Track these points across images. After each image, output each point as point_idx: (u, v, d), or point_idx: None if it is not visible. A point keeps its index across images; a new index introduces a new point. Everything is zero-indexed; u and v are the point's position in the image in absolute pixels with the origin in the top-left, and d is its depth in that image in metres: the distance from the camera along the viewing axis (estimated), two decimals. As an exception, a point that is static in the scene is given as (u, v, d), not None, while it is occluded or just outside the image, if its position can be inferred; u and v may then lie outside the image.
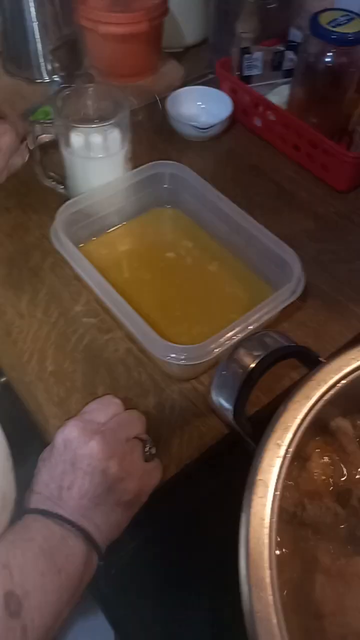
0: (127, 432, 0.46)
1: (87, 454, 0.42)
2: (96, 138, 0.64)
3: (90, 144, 0.65)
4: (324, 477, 0.44)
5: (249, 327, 0.52)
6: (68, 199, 0.71)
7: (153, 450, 0.47)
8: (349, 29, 0.69)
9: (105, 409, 0.47)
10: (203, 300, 0.63)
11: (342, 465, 0.44)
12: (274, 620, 0.30)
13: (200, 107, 0.86)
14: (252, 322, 0.53)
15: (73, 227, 0.64)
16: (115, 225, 0.70)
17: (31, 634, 0.36)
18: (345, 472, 0.44)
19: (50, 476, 0.43)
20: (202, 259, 0.67)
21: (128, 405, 0.51)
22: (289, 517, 0.41)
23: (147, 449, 0.46)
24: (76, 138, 0.64)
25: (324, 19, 0.70)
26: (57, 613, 0.38)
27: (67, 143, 0.65)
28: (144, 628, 0.43)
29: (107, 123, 0.63)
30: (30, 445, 0.53)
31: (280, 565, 0.33)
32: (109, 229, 0.70)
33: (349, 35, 0.69)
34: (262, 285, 0.63)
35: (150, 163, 0.68)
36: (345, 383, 0.41)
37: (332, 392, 0.41)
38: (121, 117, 0.64)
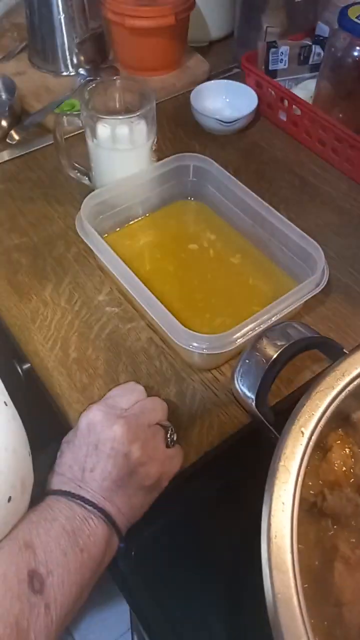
0: (149, 418, 0.46)
1: (111, 437, 0.42)
2: (122, 130, 0.65)
3: (116, 135, 0.65)
4: (344, 469, 0.44)
5: (272, 319, 0.53)
6: (92, 190, 0.72)
7: (174, 437, 0.48)
8: (378, 22, 0.69)
9: (128, 395, 0.48)
10: (225, 292, 0.63)
11: (364, 457, 0.44)
12: (295, 602, 0.30)
13: (225, 101, 0.86)
14: (275, 314, 0.53)
15: (98, 218, 0.65)
16: (139, 217, 0.71)
17: (54, 612, 0.37)
18: (366, 463, 0.44)
19: (74, 458, 0.43)
20: (225, 251, 0.67)
21: (150, 393, 0.51)
22: (309, 506, 0.42)
23: (168, 435, 0.47)
24: (102, 130, 0.65)
25: (353, 13, 0.70)
26: (79, 592, 0.39)
27: (94, 135, 0.65)
28: (161, 609, 0.43)
29: (133, 115, 0.63)
30: (52, 430, 0.54)
31: (300, 553, 0.33)
32: (133, 220, 0.70)
33: (378, 29, 0.68)
34: (285, 278, 0.63)
35: (175, 155, 0.69)
36: (368, 375, 0.41)
37: (355, 383, 0.41)
38: (147, 109, 0.64)
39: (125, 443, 0.42)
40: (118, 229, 0.69)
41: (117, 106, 0.69)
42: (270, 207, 0.63)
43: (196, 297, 0.63)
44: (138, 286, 0.55)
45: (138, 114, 0.63)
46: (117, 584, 0.45)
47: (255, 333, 0.51)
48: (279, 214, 0.62)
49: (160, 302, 0.54)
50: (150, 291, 0.55)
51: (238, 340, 0.51)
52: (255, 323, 0.52)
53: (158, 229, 0.70)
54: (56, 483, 0.43)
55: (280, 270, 0.64)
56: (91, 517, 0.41)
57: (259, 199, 0.64)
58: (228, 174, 0.67)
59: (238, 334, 0.51)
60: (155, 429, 0.46)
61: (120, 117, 0.64)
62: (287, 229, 0.61)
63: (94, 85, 0.66)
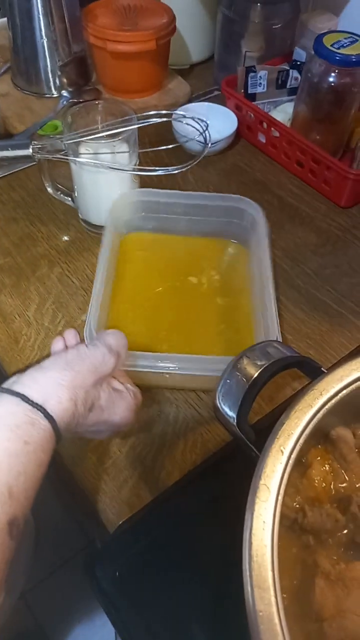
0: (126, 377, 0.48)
1: (100, 350, 0.44)
2: (105, 152, 0.66)
3: (98, 158, 0.66)
4: (324, 485, 0.45)
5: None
6: (76, 211, 0.73)
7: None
8: (352, 50, 0.72)
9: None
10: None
11: (343, 473, 0.45)
12: (276, 619, 0.31)
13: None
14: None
15: (139, 214, 0.69)
16: (168, 232, 0.72)
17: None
18: (345, 479, 0.45)
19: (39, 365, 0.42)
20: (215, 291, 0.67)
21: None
22: (289, 523, 0.42)
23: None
24: (85, 152, 0.66)
25: (328, 41, 0.72)
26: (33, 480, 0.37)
27: (76, 157, 0.67)
28: (147, 630, 0.44)
29: (116, 139, 0.65)
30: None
31: (282, 570, 0.34)
32: (162, 232, 0.72)
33: (352, 57, 0.71)
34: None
35: (239, 195, 0.67)
36: (346, 393, 0.42)
37: (333, 401, 0.42)
38: (129, 132, 0.65)
39: (107, 352, 0.44)
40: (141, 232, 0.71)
41: (100, 128, 0.70)
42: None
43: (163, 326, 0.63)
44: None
45: (120, 137, 0.65)
46: (101, 605, 0.45)
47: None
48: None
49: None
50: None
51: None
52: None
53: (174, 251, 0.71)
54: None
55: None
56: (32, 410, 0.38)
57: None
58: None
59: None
60: (128, 387, 0.47)
61: (102, 140, 0.66)
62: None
63: (76, 108, 0.68)
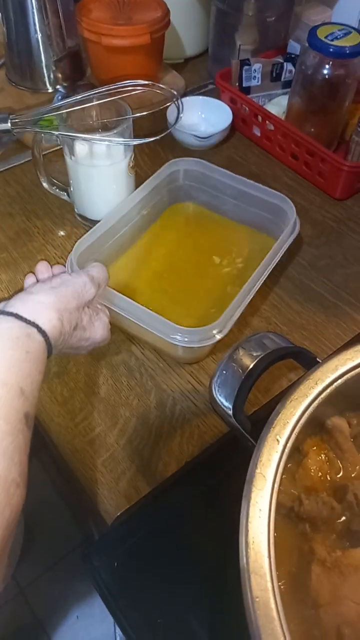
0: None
1: (82, 279, 0.49)
2: (100, 147, 0.66)
3: (94, 152, 0.66)
4: (320, 474, 0.45)
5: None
6: (71, 205, 0.73)
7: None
8: (346, 42, 0.72)
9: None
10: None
11: (338, 462, 0.46)
12: (272, 605, 0.31)
13: (201, 116, 0.88)
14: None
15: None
16: (214, 210, 0.75)
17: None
18: (341, 468, 0.45)
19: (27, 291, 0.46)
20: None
21: (131, 404, 0.53)
22: (286, 511, 0.43)
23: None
24: (80, 147, 0.66)
25: (321, 33, 0.73)
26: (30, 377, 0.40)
27: (72, 152, 0.67)
28: (145, 619, 0.44)
29: (111, 133, 0.65)
30: (33, 444, 0.55)
31: (279, 557, 0.34)
32: (209, 208, 0.75)
33: (346, 49, 0.71)
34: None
35: (284, 196, 0.68)
36: (341, 382, 0.43)
37: (328, 390, 0.42)
38: (124, 126, 0.66)
39: (88, 281, 0.49)
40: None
41: (95, 123, 0.70)
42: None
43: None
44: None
45: (115, 131, 0.65)
46: (100, 596, 0.46)
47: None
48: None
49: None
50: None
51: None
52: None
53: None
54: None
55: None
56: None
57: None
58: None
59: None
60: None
61: (97, 134, 0.66)
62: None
63: (71, 102, 0.68)
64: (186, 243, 0.72)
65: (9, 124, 0.68)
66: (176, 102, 0.70)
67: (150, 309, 0.55)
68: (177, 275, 0.68)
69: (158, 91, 0.71)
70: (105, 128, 0.68)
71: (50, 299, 0.45)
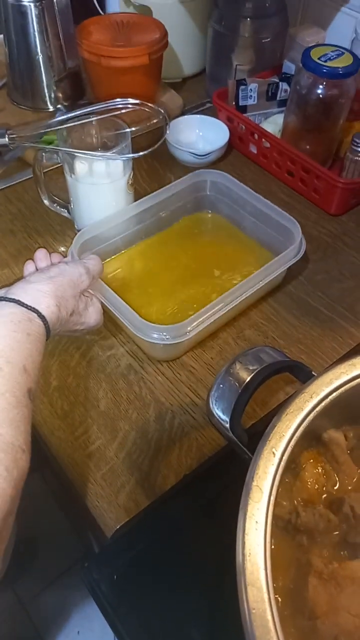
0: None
1: (78, 269, 0.53)
2: (99, 165, 0.67)
3: (93, 171, 0.68)
4: (317, 486, 0.46)
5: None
6: (72, 222, 0.75)
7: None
8: (339, 63, 0.74)
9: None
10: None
11: (335, 475, 0.46)
12: (269, 617, 0.31)
13: (198, 134, 0.90)
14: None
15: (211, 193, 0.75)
16: (233, 223, 0.77)
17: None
18: (337, 481, 0.46)
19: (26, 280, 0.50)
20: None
21: (130, 418, 0.53)
22: (284, 523, 0.43)
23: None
24: (80, 165, 0.68)
25: (315, 54, 0.74)
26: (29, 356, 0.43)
27: (72, 170, 0.68)
28: (145, 632, 0.44)
29: (110, 152, 0.66)
30: (34, 457, 0.55)
31: (276, 569, 0.35)
32: (230, 221, 0.77)
33: (339, 70, 0.73)
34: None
35: (295, 220, 0.68)
36: (336, 395, 0.44)
37: (323, 404, 0.43)
38: (123, 145, 0.67)
39: (84, 272, 0.53)
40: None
41: (94, 142, 0.71)
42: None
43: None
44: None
45: (114, 150, 0.66)
46: (99, 608, 0.46)
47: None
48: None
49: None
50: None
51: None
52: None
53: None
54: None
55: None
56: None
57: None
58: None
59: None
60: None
61: (97, 153, 0.67)
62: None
63: (71, 121, 0.69)
64: (192, 251, 0.73)
65: (7, 139, 0.70)
66: (161, 119, 0.74)
67: (135, 304, 0.60)
68: (167, 278, 0.70)
69: (147, 109, 0.73)
70: (105, 147, 0.70)
71: (49, 288, 0.49)
